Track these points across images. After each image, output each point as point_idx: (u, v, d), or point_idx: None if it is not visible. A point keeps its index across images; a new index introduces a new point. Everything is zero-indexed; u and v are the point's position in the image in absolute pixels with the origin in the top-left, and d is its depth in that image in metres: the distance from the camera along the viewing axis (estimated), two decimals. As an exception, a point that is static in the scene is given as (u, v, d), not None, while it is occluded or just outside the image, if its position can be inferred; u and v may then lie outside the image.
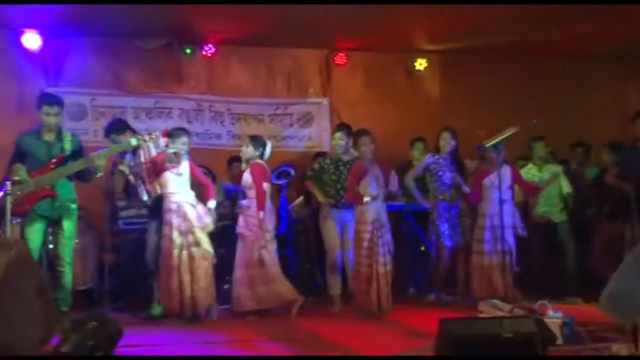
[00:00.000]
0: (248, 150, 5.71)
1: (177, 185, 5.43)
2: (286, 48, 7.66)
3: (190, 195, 5.44)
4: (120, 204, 6.30)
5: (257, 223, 5.44)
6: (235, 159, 6.76)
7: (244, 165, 5.70)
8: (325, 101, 7.96)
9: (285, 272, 5.70)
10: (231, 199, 6.65)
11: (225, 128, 7.68)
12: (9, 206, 4.45)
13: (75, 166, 4.79)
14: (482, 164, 5.84)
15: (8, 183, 4.51)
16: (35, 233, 4.79)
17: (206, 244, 5.35)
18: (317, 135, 7.89)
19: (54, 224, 4.86)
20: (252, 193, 5.55)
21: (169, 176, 5.43)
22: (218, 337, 4.64)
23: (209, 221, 5.42)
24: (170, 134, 5.49)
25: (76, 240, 5.21)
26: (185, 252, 5.28)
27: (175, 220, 5.32)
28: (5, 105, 6.88)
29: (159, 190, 5.45)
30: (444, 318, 3.22)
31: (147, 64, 7.33)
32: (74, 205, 4.91)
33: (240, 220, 5.59)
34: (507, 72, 7.86)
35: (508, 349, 3.15)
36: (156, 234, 5.39)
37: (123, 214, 6.35)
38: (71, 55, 7.20)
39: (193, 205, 5.39)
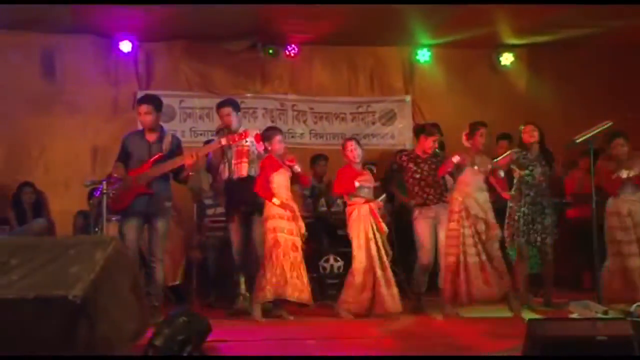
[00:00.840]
0: (361, 153, 5.62)
1: (285, 186, 5.37)
2: (368, 46, 7.66)
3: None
4: (207, 201, 6.36)
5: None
6: (318, 157, 6.92)
7: (358, 165, 5.59)
8: (407, 98, 7.94)
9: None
10: (314, 197, 6.79)
11: (307, 127, 7.76)
12: (104, 204, 4.76)
13: (169, 164, 4.91)
14: (605, 159, 5.57)
15: (104, 183, 4.80)
16: (131, 229, 4.90)
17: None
18: (399, 133, 7.92)
19: (149, 221, 4.95)
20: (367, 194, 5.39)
21: (281, 177, 5.35)
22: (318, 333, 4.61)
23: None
24: (263, 136, 5.45)
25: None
26: (292, 253, 5.27)
27: (284, 224, 5.31)
28: (102, 108, 7.28)
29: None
30: (532, 318, 3.02)
31: (233, 65, 7.48)
32: (168, 204, 5.01)
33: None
34: (599, 65, 7.64)
35: (602, 352, 2.96)
36: (242, 229, 5.42)
37: (210, 211, 6.41)
38: (160, 58, 7.46)
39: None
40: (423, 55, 7.82)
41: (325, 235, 6.52)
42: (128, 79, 7.35)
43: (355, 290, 5.29)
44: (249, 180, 5.16)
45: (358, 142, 5.60)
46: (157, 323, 3.47)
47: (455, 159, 5.30)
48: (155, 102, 5.06)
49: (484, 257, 5.24)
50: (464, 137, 5.48)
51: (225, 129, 5.18)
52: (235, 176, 5.18)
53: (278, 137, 5.38)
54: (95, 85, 7.26)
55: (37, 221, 6.33)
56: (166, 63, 7.43)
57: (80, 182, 5.51)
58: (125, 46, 7.20)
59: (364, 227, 5.35)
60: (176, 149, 5.07)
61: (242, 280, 5.47)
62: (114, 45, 7.20)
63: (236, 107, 5.32)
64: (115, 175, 4.98)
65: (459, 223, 5.29)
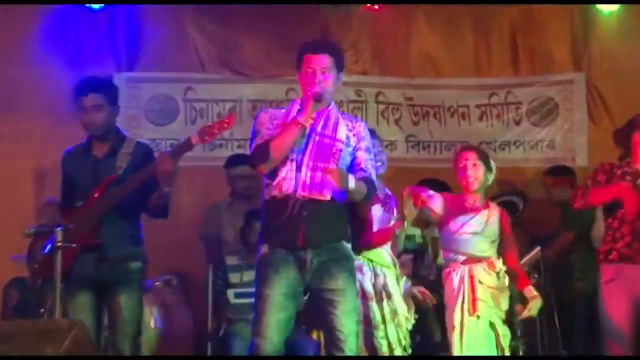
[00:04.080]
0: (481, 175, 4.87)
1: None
2: None
3: None
4: (231, 261, 5.78)
5: None
6: (435, 186, 5.75)
7: (479, 198, 4.86)
8: (578, 78, 6.94)
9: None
10: (416, 251, 6.00)
11: (402, 130, 7.03)
12: (58, 270, 3.94)
13: (126, 187, 4.25)
14: None
15: (58, 230, 4.00)
16: (80, 311, 4.33)
17: None
18: (565, 137, 6.98)
19: (105, 294, 4.38)
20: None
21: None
22: None
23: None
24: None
25: (154, 326, 5.27)
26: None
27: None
28: (51, 108, 6.58)
29: None
30: None
31: (274, 31, 6.74)
32: (135, 265, 4.37)
33: None
34: None
35: None
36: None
37: (235, 278, 5.74)
38: (154, 21, 6.70)
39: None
40: (607, 2, 6.93)
41: (439, 324, 5.82)
42: (98, 57, 6.58)
43: None
44: (335, 208, 3.91)
45: (483, 155, 4.93)
46: None
47: None
48: (108, 90, 4.50)
49: None
50: None
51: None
52: (301, 193, 3.84)
53: None
54: (41, 67, 6.62)
55: None
56: (163, 28, 6.65)
57: (16, 228, 4.55)
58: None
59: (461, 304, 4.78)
60: (142, 165, 4.39)
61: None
62: (75, 6, 6.73)
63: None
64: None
65: None
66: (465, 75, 7.05)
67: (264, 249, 3.84)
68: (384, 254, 5.04)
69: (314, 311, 4.01)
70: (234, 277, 5.71)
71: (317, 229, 3.69)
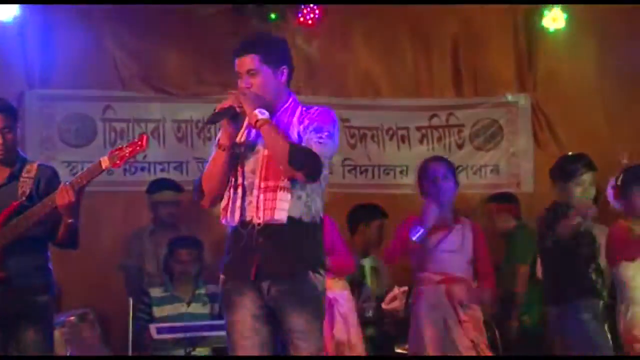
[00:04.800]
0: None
1: None
2: (452, 4, 6.77)
3: None
4: (155, 293, 5.67)
5: None
6: (365, 212, 6.01)
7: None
8: (523, 100, 6.92)
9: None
10: (352, 282, 5.78)
11: (338, 154, 6.44)
12: None
13: (32, 215, 4.09)
14: None
15: None
16: None
17: None
18: (509, 162, 6.93)
19: (13, 331, 4.20)
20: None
21: None
22: None
23: None
24: None
25: (63, 366, 5.60)
26: None
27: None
28: None
29: None
30: None
31: (201, 47, 6.60)
32: (42, 298, 4.19)
33: None
34: None
35: None
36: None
37: (159, 312, 5.60)
38: (69, 32, 6.41)
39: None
40: (553, 19, 6.75)
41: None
42: (7, 72, 6.30)
43: None
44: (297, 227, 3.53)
45: (451, 166, 5.04)
46: None
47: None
48: (10, 111, 4.32)
49: None
50: (610, 191, 4.78)
51: None
52: (256, 220, 3.56)
53: None
54: None
55: None
56: (80, 42, 6.39)
57: None
58: (4, 12, 6.28)
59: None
60: (46, 189, 4.24)
61: None
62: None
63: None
64: None
65: None
66: (405, 96, 6.96)
67: (222, 278, 3.59)
68: None
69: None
70: (158, 311, 5.61)
71: (274, 259, 3.42)
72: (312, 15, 6.66)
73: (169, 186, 6.00)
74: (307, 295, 3.49)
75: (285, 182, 3.35)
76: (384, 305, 5.95)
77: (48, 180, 4.36)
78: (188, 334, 5.46)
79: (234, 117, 3.39)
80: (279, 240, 3.38)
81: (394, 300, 5.82)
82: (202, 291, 5.72)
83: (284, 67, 3.47)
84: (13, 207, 4.19)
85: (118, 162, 4.21)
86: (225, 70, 6.56)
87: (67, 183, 4.26)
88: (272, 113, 3.42)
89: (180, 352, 5.55)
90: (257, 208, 3.36)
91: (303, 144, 3.33)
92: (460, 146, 6.91)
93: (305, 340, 3.41)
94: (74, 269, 5.06)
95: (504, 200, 6.21)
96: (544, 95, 6.94)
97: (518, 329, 5.90)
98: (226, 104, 3.36)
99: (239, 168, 3.43)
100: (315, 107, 3.56)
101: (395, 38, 6.91)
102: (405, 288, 5.71)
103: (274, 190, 3.35)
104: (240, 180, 3.43)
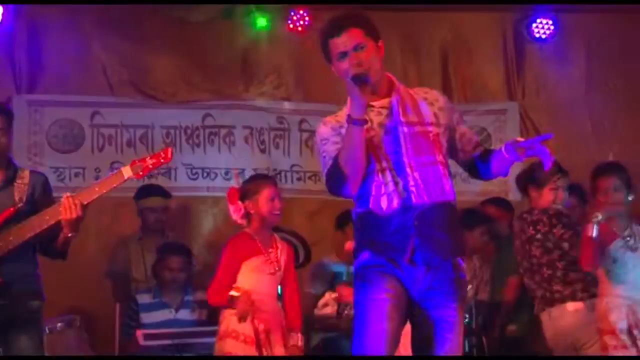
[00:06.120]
0: None
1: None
2: (439, 11, 6.85)
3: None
4: (143, 299, 5.67)
5: None
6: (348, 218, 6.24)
7: None
8: (512, 107, 6.99)
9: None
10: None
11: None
12: None
13: (30, 227, 4.13)
14: None
15: None
16: None
17: None
18: None
19: (3, 336, 4.24)
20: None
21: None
22: None
23: None
24: (245, 192, 4.81)
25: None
26: None
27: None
28: None
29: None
30: None
31: (191, 53, 6.65)
32: (35, 304, 4.25)
33: None
34: None
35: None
36: None
37: (147, 318, 5.61)
38: (58, 36, 6.46)
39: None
40: (541, 26, 6.80)
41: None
42: None
43: None
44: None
45: None
46: None
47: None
48: (6, 114, 4.42)
49: None
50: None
51: None
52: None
53: (269, 192, 4.90)
54: None
55: None
56: (69, 45, 6.42)
57: None
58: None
59: None
60: (41, 196, 4.31)
61: None
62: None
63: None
64: None
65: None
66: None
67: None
68: None
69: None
70: (146, 317, 5.62)
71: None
72: (301, 22, 6.68)
73: (157, 192, 5.98)
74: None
75: (439, 158, 3.06)
76: (316, 312, 5.96)
77: (42, 188, 4.39)
78: (175, 341, 5.43)
79: (364, 83, 2.98)
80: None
81: (326, 306, 5.74)
82: (190, 298, 5.70)
83: (380, 41, 3.15)
84: (10, 212, 4.22)
85: (141, 172, 4.28)
86: (214, 77, 6.80)
87: (72, 196, 4.20)
88: (377, 94, 3.10)
89: (169, 360, 5.78)
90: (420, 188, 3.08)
91: (464, 134, 3.07)
92: (450, 153, 7.12)
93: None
94: (60, 276, 5.03)
95: (503, 206, 6.17)
96: (532, 103, 7.02)
97: (499, 338, 5.86)
98: (354, 71, 2.97)
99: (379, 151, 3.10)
100: (425, 90, 3.24)
101: (385, 45, 6.90)
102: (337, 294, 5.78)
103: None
104: (385, 164, 3.05)
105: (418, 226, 2.93)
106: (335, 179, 2.97)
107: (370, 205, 3.01)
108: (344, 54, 3.03)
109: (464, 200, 6.66)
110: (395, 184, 2.97)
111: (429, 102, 3.09)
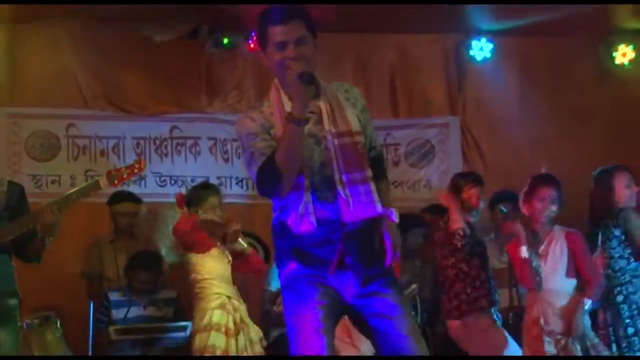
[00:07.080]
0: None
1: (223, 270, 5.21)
2: (388, 34, 7.02)
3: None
4: (114, 296, 5.82)
5: None
6: None
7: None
8: (454, 121, 7.21)
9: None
10: None
11: None
12: None
13: (7, 232, 4.17)
14: None
15: None
16: None
17: None
18: (441, 179, 7.07)
19: None
20: None
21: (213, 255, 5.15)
22: None
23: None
24: (191, 199, 5.17)
25: (32, 363, 5.31)
26: None
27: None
28: None
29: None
30: None
31: (158, 68, 6.78)
32: (12, 301, 4.28)
33: None
34: None
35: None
36: None
37: (118, 314, 5.77)
38: (33, 49, 6.60)
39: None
40: (480, 49, 7.04)
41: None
42: None
43: None
44: None
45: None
46: None
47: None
48: None
49: None
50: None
51: None
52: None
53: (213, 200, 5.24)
54: None
55: None
56: (42, 59, 6.57)
57: None
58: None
59: None
60: (17, 205, 4.32)
61: None
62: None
63: None
64: None
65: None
66: (347, 115, 7.22)
67: None
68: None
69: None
70: (116, 314, 5.73)
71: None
72: (261, 42, 7.01)
73: (129, 198, 6.02)
74: None
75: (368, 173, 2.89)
76: (275, 308, 6.01)
77: (19, 197, 4.40)
78: (144, 336, 5.55)
79: (310, 84, 2.75)
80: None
81: None
82: (159, 296, 5.71)
83: (316, 39, 2.90)
84: None
85: (116, 182, 4.40)
86: (181, 91, 6.83)
87: (52, 202, 4.25)
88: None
89: (137, 353, 5.55)
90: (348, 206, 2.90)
91: (369, 137, 2.89)
92: (396, 163, 7.15)
93: None
94: (31, 274, 4.83)
95: (437, 212, 6.13)
96: (471, 117, 7.24)
97: (444, 334, 5.88)
98: (303, 69, 2.76)
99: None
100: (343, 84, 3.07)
101: (337, 65, 6.96)
102: None
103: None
104: (304, 181, 2.86)
105: (346, 240, 2.80)
106: (270, 178, 2.74)
107: (289, 223, 2.79)
108: (283, 44, 2.80)
109: (408, 206, 6.67)
110: (322, 204, 2.75)
111: (352, 103, 2.88)
